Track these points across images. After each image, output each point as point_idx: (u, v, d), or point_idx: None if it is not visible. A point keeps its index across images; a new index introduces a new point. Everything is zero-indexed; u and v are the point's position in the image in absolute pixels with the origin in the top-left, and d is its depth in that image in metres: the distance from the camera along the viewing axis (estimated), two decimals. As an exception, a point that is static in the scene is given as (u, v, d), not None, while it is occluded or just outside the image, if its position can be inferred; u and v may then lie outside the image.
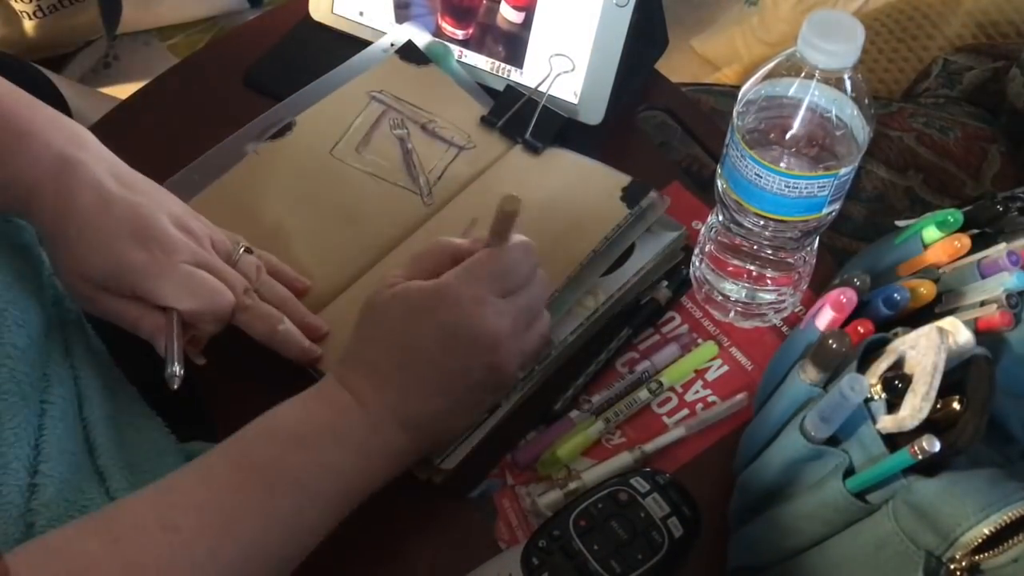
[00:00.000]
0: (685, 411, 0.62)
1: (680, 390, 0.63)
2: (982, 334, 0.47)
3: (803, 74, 0.51)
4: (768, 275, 0.62)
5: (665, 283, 0.66)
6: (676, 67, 1.45)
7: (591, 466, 0.59)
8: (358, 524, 0.50)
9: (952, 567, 0.41)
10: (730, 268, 0.63)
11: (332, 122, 0.72)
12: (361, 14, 0.78)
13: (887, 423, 0.44)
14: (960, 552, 0.40)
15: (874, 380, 0.46)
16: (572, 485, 0.57)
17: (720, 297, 0.65)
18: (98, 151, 0.55)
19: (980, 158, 0.88)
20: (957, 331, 0.44)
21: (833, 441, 0.47)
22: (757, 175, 0.53)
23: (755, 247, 0.60)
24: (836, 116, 0.53)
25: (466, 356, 0.51)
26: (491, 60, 0.75)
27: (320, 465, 0.49)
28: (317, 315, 0.61)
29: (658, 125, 0.78)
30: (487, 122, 0.72)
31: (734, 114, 0.54)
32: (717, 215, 0.61)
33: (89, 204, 0.53)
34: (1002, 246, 0.52)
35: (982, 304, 0.50)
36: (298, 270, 0.63)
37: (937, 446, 0.41)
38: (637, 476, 0.51)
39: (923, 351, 0.44)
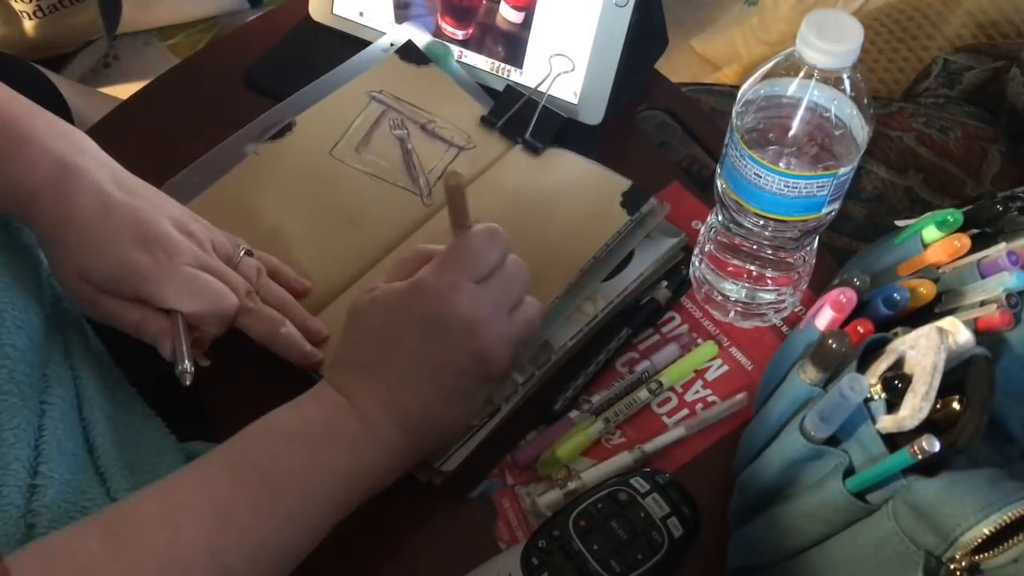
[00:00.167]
0: (685, 411, 0.62)
1: (680, 390, 0.63)
2: (982, 334, 0.47)
3: (802, 74, 0.51)
4: (768, 275, 0.62)
5: (665, 283, 0.66)
6: (676, 67, 1.45)
7: (591, 466, 0.59)
8: (358, 524, 0.50)
9: (952, 567, 0.40)
10: (730, 268, 0.63)
11: (332, 122, 0.71)
12: (361, 14, 0.78)
13: (887, 423, 0.44)
14: (960, 552, 0.40)
15: (874, 380, 0.46)
16: (572, 485, 0.57)
17: (720, 297, 0.65)
18: (98, 156, 0.55)
19: (980, 158, 0.88)
20: (957, 331, 0.44)
21: (833, 441, 0.47)
22: (756, 175, 0.53)
23: (755, 247, 0.60)
24: (835, 116, 0.53)
25: (448, 344, 0.52)
26: (491, 60, 0.75)
27: (318, 465, 0.49)
28: (317, 316, 0.61)
29: (658, 125, 0.78)
30: (487, 122, 0.72)
31: (733, 114, 0.54)
32: (717, 215, 0.61)
33: (90, 209, 0.53)
34: (1002, 246, 0.52)
35: (982, 304, 0.50)
36: (298, 271, 0.63)
37: (937, 446, 0.41)
38: (637, 476, 0.51)
39: (923, 351, 0.44)
